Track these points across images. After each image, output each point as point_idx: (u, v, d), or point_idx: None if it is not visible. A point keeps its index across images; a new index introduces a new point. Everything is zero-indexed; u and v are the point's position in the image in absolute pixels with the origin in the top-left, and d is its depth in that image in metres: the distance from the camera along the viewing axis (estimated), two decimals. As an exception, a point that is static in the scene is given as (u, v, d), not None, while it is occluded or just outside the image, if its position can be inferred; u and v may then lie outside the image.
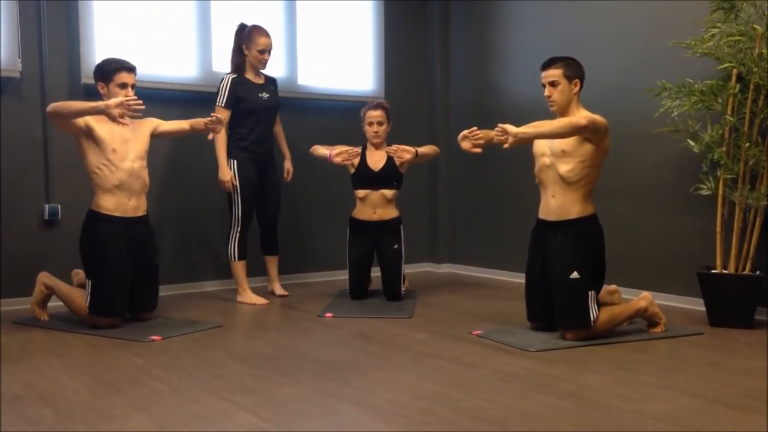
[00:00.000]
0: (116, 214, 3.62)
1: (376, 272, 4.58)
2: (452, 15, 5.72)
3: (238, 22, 4.39)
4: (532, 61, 5.06)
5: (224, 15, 4.80)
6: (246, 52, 4.31)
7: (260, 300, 4.28)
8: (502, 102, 5.31)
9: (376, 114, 4.42)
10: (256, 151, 4.38)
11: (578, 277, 3.29)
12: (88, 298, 3.57)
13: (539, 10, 5.00)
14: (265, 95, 4.40)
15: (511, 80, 5.25)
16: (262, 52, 4.30)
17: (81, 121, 3.52)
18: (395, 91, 5.61)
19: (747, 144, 3.59)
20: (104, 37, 4.38)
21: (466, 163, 5.67)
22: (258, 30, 4.32)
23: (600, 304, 3.36)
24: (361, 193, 4.39)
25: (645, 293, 3.51)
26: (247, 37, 4.30)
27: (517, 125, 3.11)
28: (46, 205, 4.26)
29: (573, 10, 4.77)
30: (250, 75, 4.37)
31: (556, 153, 3.35)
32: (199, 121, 3.84)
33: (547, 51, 4.90)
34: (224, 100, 4.26)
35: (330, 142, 4.82)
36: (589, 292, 3.29)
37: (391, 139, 5.53)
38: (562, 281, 3.31)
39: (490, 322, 3.74)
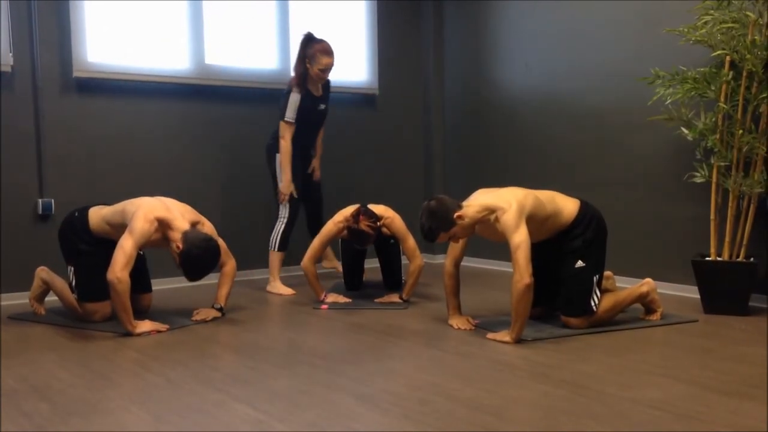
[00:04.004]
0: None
1: (370, 264, 4.58)
2: (446, 7, 5.70)
3: (305, 32, 4.46)
4: (526, 52, 5.07)
5: (216, 7, 4.79)
6: (308, 66, 4.39)
7: (288, 291, 4.40)
8: (497, 94, 5.30)
9: None
10: (304, 146, 4.60)
11: (583, 265, 3.29)
12: (74, 285, 3.56)
13: (533, 2, 4.98)
14: (322, 106, 4.58)
15: (506, 72, 5.24)
16: (323, 71, 4.41)
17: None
18: (389, 84, 5.60)
19: (740, 131, 3.59)
20: (95, 31, 4.36)
21: (461, 155, 5.67)
22: (322, 49, 4.38)
23: (601, 290, 3.37)
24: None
25: (647, 279, 3.53)
26: (311, 56, 4.37)
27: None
28: (40, 200, 4.25)
29: (567, 0, 4.76)
30: (312, 87, 4.48)
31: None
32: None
33: (542, 42, 4.93)
34: (293, 115, 4.40)
35: (324, 132, 4.82)
36: (593, 278, 3.30)
37: (386, 132, 5.54)
38: (568, 271, 3.31)
39: (487, 312, 3.74)
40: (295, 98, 4.39)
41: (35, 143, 4.26)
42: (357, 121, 5.46)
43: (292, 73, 4.50)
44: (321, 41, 4.42)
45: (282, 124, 4.41)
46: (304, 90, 4.42)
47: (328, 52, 4.39)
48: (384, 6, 5.57)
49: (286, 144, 4.41)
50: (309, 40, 4.42)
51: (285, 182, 4.43)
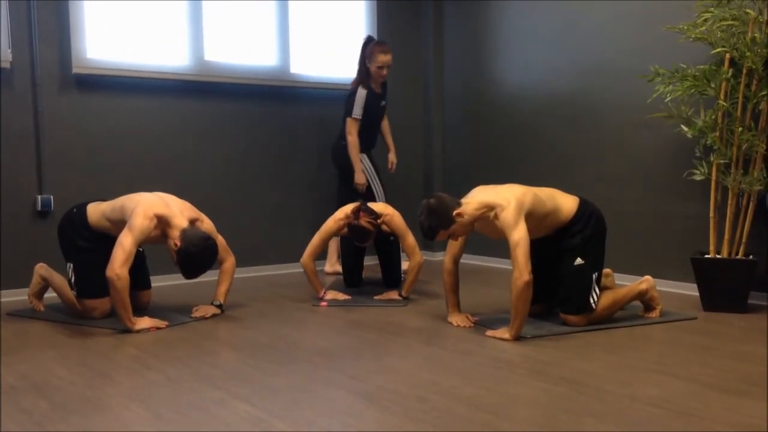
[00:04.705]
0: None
1: (370, 261, 4.58)
2: (446, 7, 5.69)
3: (366, 35, 4.87)
4: (526, 50, 5.07)
5: (215, 3, 4.78)
6: (368, 64, 4.73)
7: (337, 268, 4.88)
8: (497, 93, 5.30)
9: None
10: (368, 142, 4.91)
11: (582, 262, 3.29)
12: (73, 281, 3.56)
13: (533, 1, 4.99)
14: (383, 103, 4.93)
15: (506, 71, 5.23)
16: (381, 68, 4.73)
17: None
18: (389, 80, 5.58)
19: (740, 129, 3.59)
20: (95, 27, 4.35)
21: (461, 154, 5.66)
22: (379, 49, 4.72)
23: (601, 288, 3.37)
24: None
25: (647, 276, 3.53)
26: (369, 55, 4.73)
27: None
28: (39, 197, 4.25)
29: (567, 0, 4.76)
30: (374, 85, 4.80)
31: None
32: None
33: (541, 39, 4.93)
34: (360, 112, 4.72)
35: (322, 129, 4.83)
36: (593, 276, 3.30)
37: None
38: (567, 269, 3.30)
39: (486, 309, 3.74)
40: (362, 93, 4.72)
41: (34, 140, 4.25)
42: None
43: (355, 76, 4.82)
44: (379, 41, 4.80)
45: (349, 121, 4.71)
46: (368, 90, 4.74)
47: (384, 50, 4.73)
48: (384, 6, 5.56)
49: (353, 139, 4.72)
50: (368, 42, 4.79)
51: (358, 172, 4.73)
